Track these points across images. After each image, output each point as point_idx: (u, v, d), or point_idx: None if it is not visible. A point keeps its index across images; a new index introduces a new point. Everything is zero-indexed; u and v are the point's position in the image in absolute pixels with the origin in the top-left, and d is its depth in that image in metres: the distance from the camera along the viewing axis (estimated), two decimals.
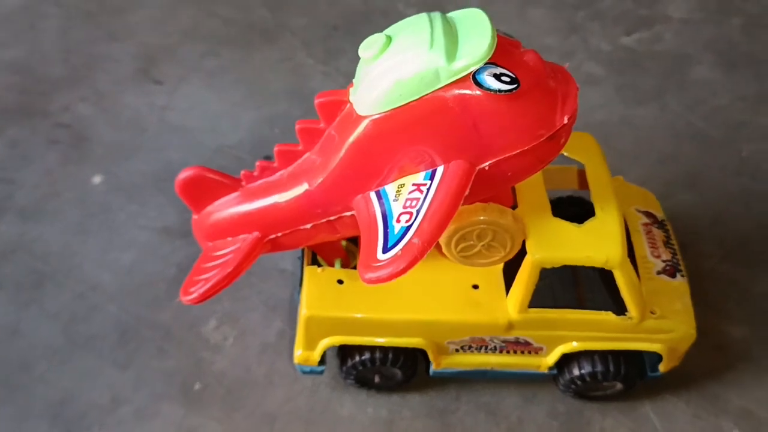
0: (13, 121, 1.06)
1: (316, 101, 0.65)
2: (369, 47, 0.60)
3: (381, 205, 0.62)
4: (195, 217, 0.72)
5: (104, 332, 0.85)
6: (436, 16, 0.61)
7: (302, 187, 0.66)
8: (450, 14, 0.62)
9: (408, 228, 0.58)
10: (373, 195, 0.63)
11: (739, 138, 1.05)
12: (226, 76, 1.12)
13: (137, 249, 0.92)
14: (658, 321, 0.72)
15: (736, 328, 0.86)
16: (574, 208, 0.79)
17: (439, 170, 0.61)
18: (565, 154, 0.74)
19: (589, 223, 0.68)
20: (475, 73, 0.57)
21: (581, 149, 0.75)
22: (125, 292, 0.88)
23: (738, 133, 1.06)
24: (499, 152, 0.60)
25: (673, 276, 0.76)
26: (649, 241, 0.78)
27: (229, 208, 0.70)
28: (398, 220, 0.59)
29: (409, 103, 0.59)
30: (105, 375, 0.82)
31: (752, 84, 1.12)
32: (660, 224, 0.81)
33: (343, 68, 1.14)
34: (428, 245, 0.57)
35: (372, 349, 0.73)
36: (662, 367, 0.76)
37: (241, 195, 0.69)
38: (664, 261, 0.77)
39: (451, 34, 0.59)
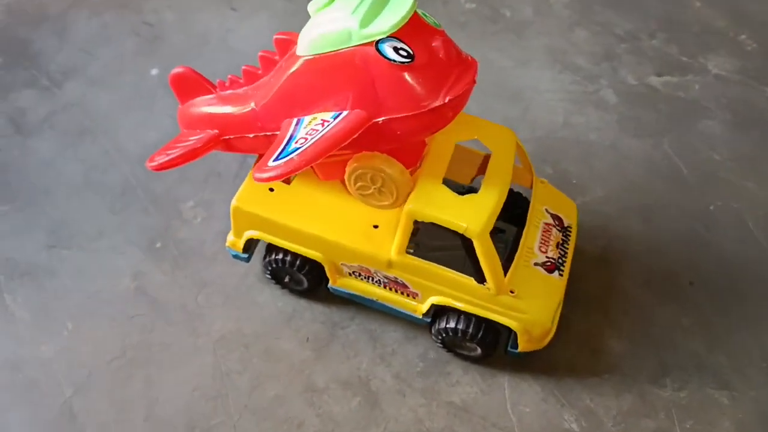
0: (112, 8, 1.29)
1: (274, 37, 0.81)
2: (315, 3, 0.76)
3: (294, 128, 0.77)
4: (180, 106, 0.90)
5: (112, 183, 1.06)
6: None
7: (250, 105, 0.82)
8: None
9: (298, 149, 0.73)
10: (294, 120, 0.78)
11: (714, 193, 1.10)
12: (289, 20, 1.30)
13: (161, 133, 1.11)
14: (514, 300, 0.83)
15: (619, 342, 0.94)
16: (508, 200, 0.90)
17: (343, 113, 0.75)
18: (480, 140, 0.86)
19: (467, 197, 0.80)
20: (378, 41, 0.71)
21: (497, 141, 0.86)
22: (139, 160, 1.08)
23: (715, 189, 1.11)
24: (390, 111, 0.73)
25: (550, 272, 0.86)
26: (542, 237, 0.88)
27: (201, 106, 0.87)
28: (297, 142, 0.74)
29: (329, 52, 0.74)
30: (100, 214, 1.03)
31: (753, 149, 1.16)
32: (564, 229, 0.91)
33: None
34: (303, 164, 0.71)
35: (285, 251, 0.89)
36: (520, 346, 0.86)
37: (213, 98, 0.86)
38: (547, 257, 0.87)
39: (377, 8, 0.73)
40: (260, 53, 0.83)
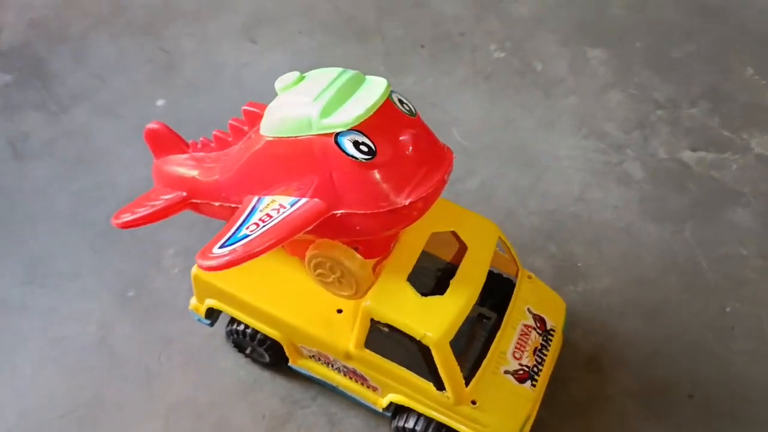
0: (133, 33, 1.27)
1: (243, 108, 0.76)
2: (282, 81, 0.71)
3: (251, 209, 0.72)
4: (155, 160, 0.87)
5: (98, 219, 1.04)
6: (347, 74, 0.69)
7: (215, 176, 0.78)
8: (367, 77, 0.70)
9: (246, 236, 0.68)
10: (255, 199, 0.73)
11: (733, 294, 1.00)
12: (307, 56, 1.26)
13: None
14: (474, 411, 0.76)
15: None
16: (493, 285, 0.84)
17: (301, 201, 0.69)
18: (457, 232, 0.79)
19: (431, 299, 0.74)
20: (338, 134, 0.66)
21: (476, 235, 0.79)
22: (128, 197, 1.04)
23: (736, 289, 1.01)
24: (347, 206, 0.68)
25: (521, 381, 0.79)
26: (518, 341, 0.81)
27: (173, 165, 0.83)
28: (248, 227, 0.69)
29: (289, 137, 0.69)
30: (80, 252, 1.01)
31: None
32: (546, 332, 0.84)
33: (407, 85, 1.23)
34: (246, 257, 0.66)
35: (246, 324, 0.85)
36: None
37: (185, 159, 0.83)
38: (521, 365, 0.80)
39: (345, 94, 0.67)
40: (230, 121, 0.78)
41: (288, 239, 0.67)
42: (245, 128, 0.77)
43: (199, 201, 0.81)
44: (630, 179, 1.13)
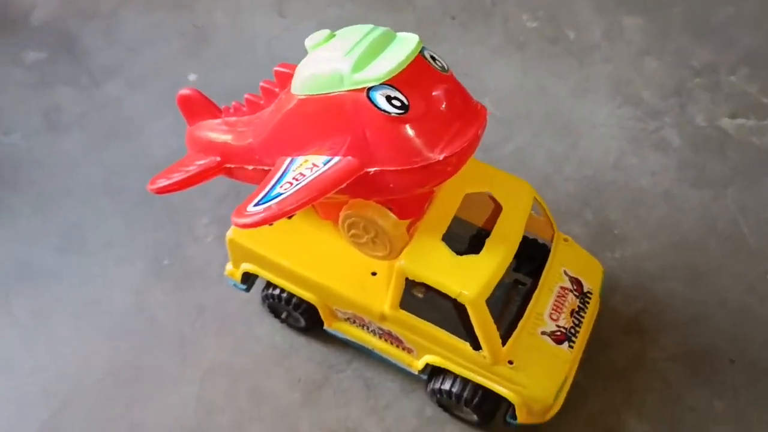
0: (164, 8, 1.27)
1: (274, 69, 0.75)
2: (312, 39, 0.70)
3: (285, 169, 0.71)
4: (188, 127, 0.86)
5: (132, 190, 1.04)
6: (378, 30, 0.68)
7: (248, 140, 0.77)
8: (397, 33, 0.69)
9: (281, 195, 0.67)
10: (288, 160, 0.72)
11: None
12: (336, 27, 1.24)
13: None
14: (512, 371, 0.75)
15: (639, 423, 0.85)
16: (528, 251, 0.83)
17: (334, 159, 0.68)
18: (491, 193, 0.78)
19: (467, 258, 0.73)
20: (370, 88, 0.64)
21: (511, 195, 0.78)
22: (161, 168, 1.06)
23: None
24: (381, 163, 0.66)
25: (559, 342, 0.78)
26: (555, 302, 0.80)
27: (206, 131, 0.83)
28: (282, 186, 0.69)
29: (321, 94, 0.67)
30: (114, 222, 1.02)
31: None
32: (583, 295, 0.82)
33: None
34: (282, 213, 0.66)
35: (282, 288, 0.84)
36: (519, 418, 0.79)
37: (218, 124, 0.82)
38: (558, 326, 0.79)
39: (376, 50, 0.66)
40: (261, 83, 0.78)
41: (321, 197, 0.67)
42: (276, 90, 0.76)
43: (232, 165, 0.81)
44: (667, 146, 1.10)
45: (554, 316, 0.79)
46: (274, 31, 1.25)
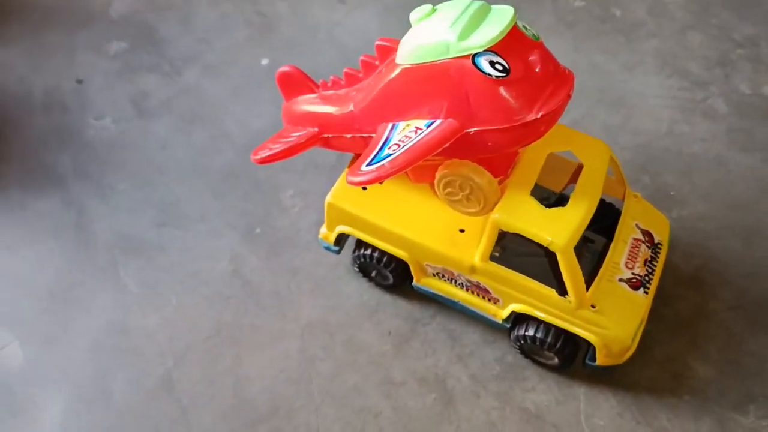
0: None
1: (376, 43, 0.83)
2: (417, 13, 0.78)
3: (389, 133, 0.79)
4: (284, 102, 0.94)
5: (218, 168, 1.13)
6: (476, 4, 0.76)
7: (349, 107, 0.85)
8: (493, 6, 0.77)
9: (390, 155, 0.75)
10: (390, 125, 0.81)
11: None
12: (395, 12, 1.32)
13: (265, 121, 1.17)
14: (594, 314, 0.83)
15: (705, 368, 0.92)
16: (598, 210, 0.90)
17: (437, 122, 0.77)
18: (572, 152, 0.85)
19: (554, 210, 0.80)
20: (475, 55, 0.72)
21: (591, 154, 0.86)
22: (243, 147, 1.14)
23: None
24: (482, 123, 0.74)
25: (635, 288, 0.86)
26: (630, 253, 0.87)
27: (304, 104, 0.91)
28: (390, 147, 0.77)
29: (426, 62, 0.75)
30: (203, 197, 1.10)
31: None
32: (654, 246, 0.90)
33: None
34: (395, 170, 0.74)
35: (373, 248, 0.92)
36: (598, 360, 0.86)
37: (315, 98, 0.90)
38: (633, 273, 0.86)
39: (476, 21, 0.74)
40: (362, 58, 0.86)
41: (428, 155, 0.75)
42: (376, 63, 0.84)
43: (330, 135, 0.89)
44: (716, 114, 1.17)
45: (629, 265, 0.87)
46: (335, 18, 1.33)
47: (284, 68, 0.91)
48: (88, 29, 1.30)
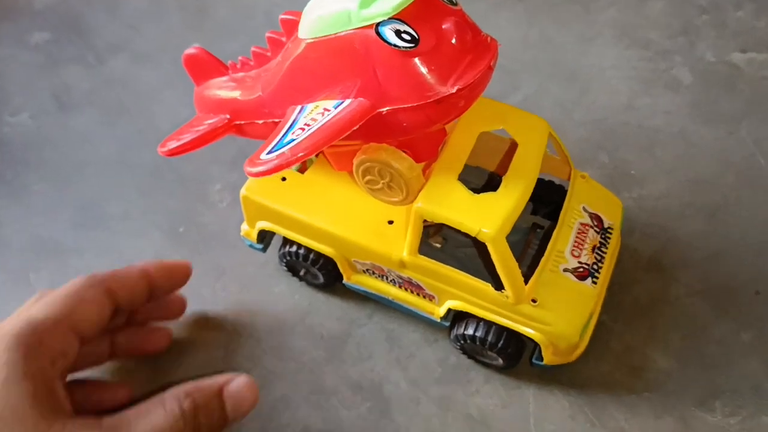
0: None
1: (280, 17, 0.75)
2: None
3: (296, 116, 0.71)
4: (195, 88, 0.86)
5: (144, 163, 1.05)
6: None
7: (257, 93, 0.77)
8: None
9: (293, 141, 0.67)
10: (298, 108, 0.72)
11: None
12: None
13: (194, 111, 1.09)
14: (536, 309, 0.75)
15: (666, 359, 0.84)
16: (545, 193, 0.83)
17: (346, 102, 0.68)
18: (506, 129, 0.77)
19: (484, 196, 0.72)
20: (378, 24, 0.64)
21: (526, 131, 0.77)
22: None
23: None
24: (393, 101, 0.66)
25: (582, 279, 0.78)
26: (576, 239, 0.79)
27: (214, 89, 0.83)
28: (294, 132, 0.68)
29: (329, 35, 0.67)
30: (128, 195, 1.02)
31: None
32: (603, 230, 0.81)
33: None
34: (296, 158, 0.65)
35: (298, 244, 0.84)
36: (545, 359, 0.78)
37: (225, 81, 0.82)
38: (580, 263, 0.78)
39: None
40: (267, 34, 0.77)
41: (334, 139, 0.66)
42: (283, 39, 0.76)
43: (242, 122, 0.81)
44: (679, 84, 1.09)
45: (576, 253, 0.79)
46: None
47: (190, 50, 0.83)
48: (8, 20, 1.22)
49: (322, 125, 0.67)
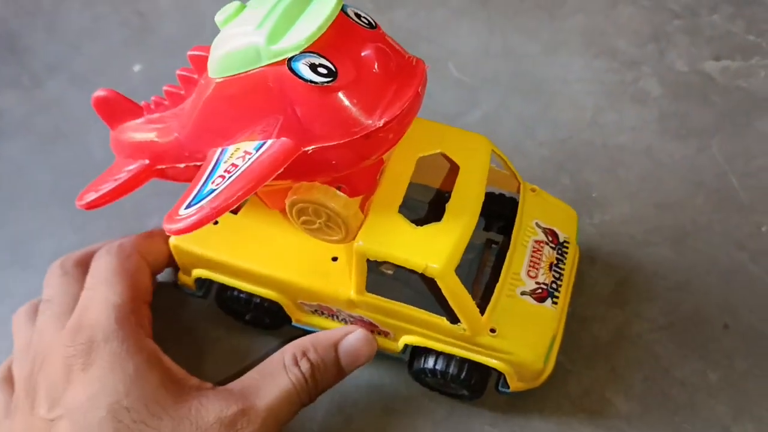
0: None
1: (189, 53, 0.69)
2: (222, 14, 0.63)
3: (215, 161, 0.65)
4: (111, 132, 0.80)
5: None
6: None
7: (173, 135, 0.71)
8: None
9: (213, 191, 0.61)
10: (218, 151, 0.66)
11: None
12: None
13: None
14: (495, 340, 0.70)
15: (627, 402, 0.79)
16: (496, 207, 0.79)
17: (267, 143, 0.62)
18: (445, 153, 0.72)
19: (428, 227, 0.67)
20: (291, 59, 0.58)
21: (467, 153, 0.72)
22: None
23: None
24: (318, 139, 0.60)
25: (541, 300, 0.73)
26: (531, 259, 0.75)
27: (129, 132, 0.76)
28: (213, 181, 0.62)
29: (239, 73, 0.61)
30: (61, 231, 0.96)
31: None
32: (559, 245, 0.77)
33: (398, 20, 1.14)
34: (215, 213, 0.59)
35: (242, 291, 0.78)
36: (511, 387, 0.74)
37: (141, 123, 0.76)
38: (537, 283, 0.73)
39: (291, 16, 0.59)
40: (178, 72, 0.71)
41: (258, 187, 0.60)
42: (195, 76, 0.70)
43: (164, 166, 0.74)
44: (647, 97, 1.02)
45: (532, 274, 0.74)
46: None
47: (99, 93, 0.77)
48: None
49: (243, 172, 0.61)
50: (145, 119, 0.75)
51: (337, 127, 0.59)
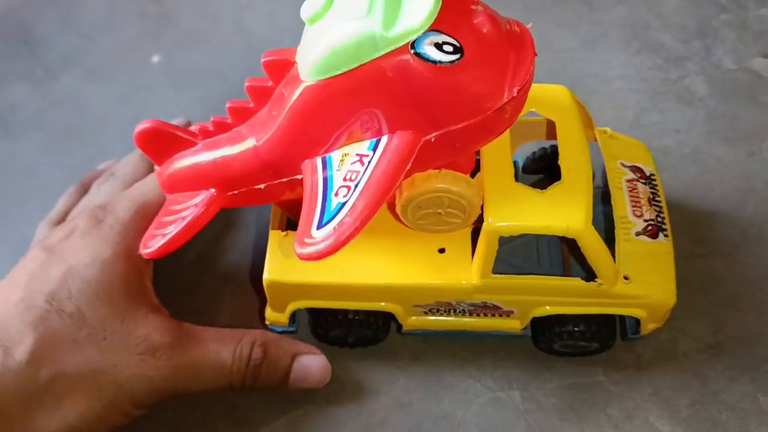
0: None
1: (263, 60, 0.63)
2: (310, 9, 0.57)
3: (324, 173, 0.59)
4: (157, 168, 0.70)
5: None
6: None
7: (250, 142, 0.63)
8: None
9: (344, 204, 0.56)
10: (318, 162, 0.60)
11: None
12: None
13: None
14: (631, 286, 0.68)
15: (672, 429, 0.73)
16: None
17: (383, 140, 0.57)
18: (536, 110, 0.70)
19: (552, 189, 0.64)
20: (414, 42, 0.53)
21: (553, 104, 0.70)
22: None
23: None
24: (444, 124, 0.56)
25: (654, 236, 0.71)
26: (632, 198, 0.72)
27: (184, 162, 0.68)
28: (336, 194, 0.57)
29: (347, 71, 0.55)
30: None
31: None
32: (648, 179, 0.75)
33: None
34: (361, 225, 0.55)
35: (342, 311, 0.73)
36: (643, 331, 0.73)
37: (197, 150, 0.68)
38: (646, 221, 0.71)
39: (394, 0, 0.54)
40: (247, 83, 0.65)
41: (393, 188, 0.56)
42: (269, 84, 0.63)
43: (236, 191, 0.67)
44: (693, 97, 0.96)
45: (637, 213, 0.72)
46: (242, 2, 1.13)
47: (144, 125, 0.67)
48: None
49: (374, 175, 0.56)
50: (202, 144, 0.67)
51: (470, 105, 0.55)
